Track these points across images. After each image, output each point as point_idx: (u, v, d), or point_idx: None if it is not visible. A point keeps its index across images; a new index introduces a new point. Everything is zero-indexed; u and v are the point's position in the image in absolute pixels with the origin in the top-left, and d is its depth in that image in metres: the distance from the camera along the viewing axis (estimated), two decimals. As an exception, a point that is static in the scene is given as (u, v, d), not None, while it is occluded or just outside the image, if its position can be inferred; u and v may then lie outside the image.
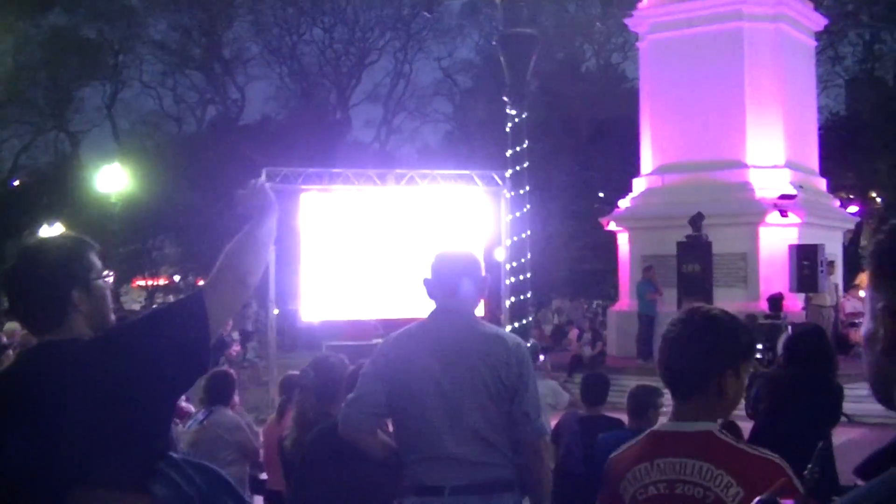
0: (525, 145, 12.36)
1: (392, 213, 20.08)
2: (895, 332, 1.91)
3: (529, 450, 5.41)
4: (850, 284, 29.34)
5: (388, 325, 14.36)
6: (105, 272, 3.77)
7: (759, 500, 2.42)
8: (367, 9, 57.49)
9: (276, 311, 21.69)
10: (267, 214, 3.86)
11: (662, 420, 4.00)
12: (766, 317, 23.00)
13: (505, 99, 12.23)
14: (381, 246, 19.79)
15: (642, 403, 8.21)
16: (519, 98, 12.08)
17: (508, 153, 11.83)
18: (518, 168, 12.34)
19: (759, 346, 13.89)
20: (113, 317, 3.78)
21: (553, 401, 12.22)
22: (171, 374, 3.44)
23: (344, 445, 5.52)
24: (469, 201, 20.23)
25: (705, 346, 3.66)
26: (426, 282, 5.53)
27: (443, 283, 5.48)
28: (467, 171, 20.90)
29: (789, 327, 13.89)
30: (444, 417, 5.22)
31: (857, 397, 12.68)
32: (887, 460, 1.82)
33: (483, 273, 5.66)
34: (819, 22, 31.06)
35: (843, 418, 15.16)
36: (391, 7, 57.36)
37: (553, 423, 10.38)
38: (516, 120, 11.96)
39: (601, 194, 48.69)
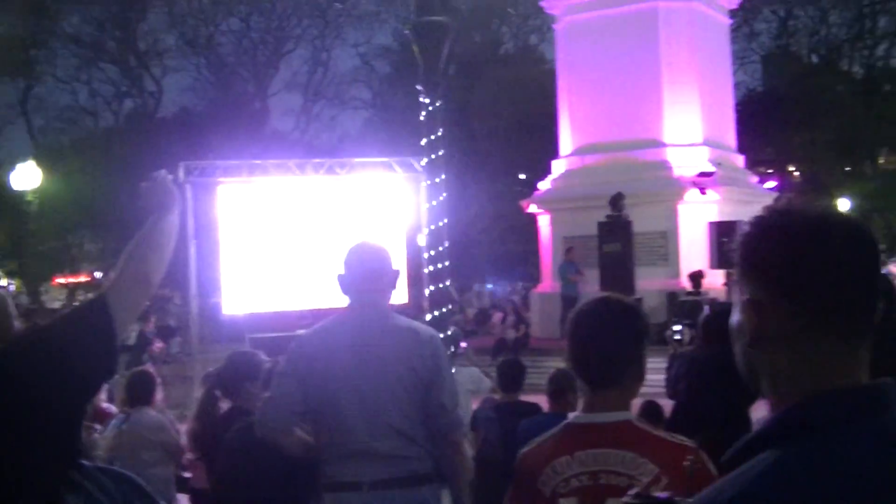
0: (440, 133, 12.33)
1: (312, 203, 19.95)
2: (759, 325, 1.97)
3: (447, 441, 5.46)
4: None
5: (315, 316, 14.26)
6: (6, 282, 3.68)
7: (633, 493, 2.44)
8: (283, -3, 57.04)
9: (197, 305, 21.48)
10: (168, 209, 3.78)
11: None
12: (688, 294, 23.24)
13: (419, 87, 12.18)
14: (302, 236, 19.66)
15: (562, 387, 8.22)
16: (433, 86, 12.05)
17: (423, 142, 11.80)
18: (433, 156, 12.31)
19: (679, 326, 14.01)
20: (16, 325, 3.68)
21: (474, 387, 12.24)
22: (78, 382, 3.34)
23: (262, 444, 5.49)
24: (389, 189, 20.21)
25: (629, 335, 3.64)
26: (339, 277, 5.52)
27: (355, 278, 5.46)
28: (386, 159, 20.84)
29: (706, 307, 13.99)
30: (360, 413, 5.22)
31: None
32: (750, 452, 1.90)
33: (394, 266, 5.63)
34: (733, 0, 31.32)
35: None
36: (308, -6, 56.95)
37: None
38: (430, 108, 11.92)
39: (523, 176, 48.85)
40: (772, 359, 1.97)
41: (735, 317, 2.07)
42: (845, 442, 1.82)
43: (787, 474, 1.80)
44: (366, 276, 5.42)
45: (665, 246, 26.01)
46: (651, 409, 10.35)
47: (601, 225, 24.38)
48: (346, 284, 5.49)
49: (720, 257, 22.51)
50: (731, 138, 30.24)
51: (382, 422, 5.22)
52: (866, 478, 1.79)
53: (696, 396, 8.09)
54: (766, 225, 2.01)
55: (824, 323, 1.91)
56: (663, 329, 17.62)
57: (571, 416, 3.83)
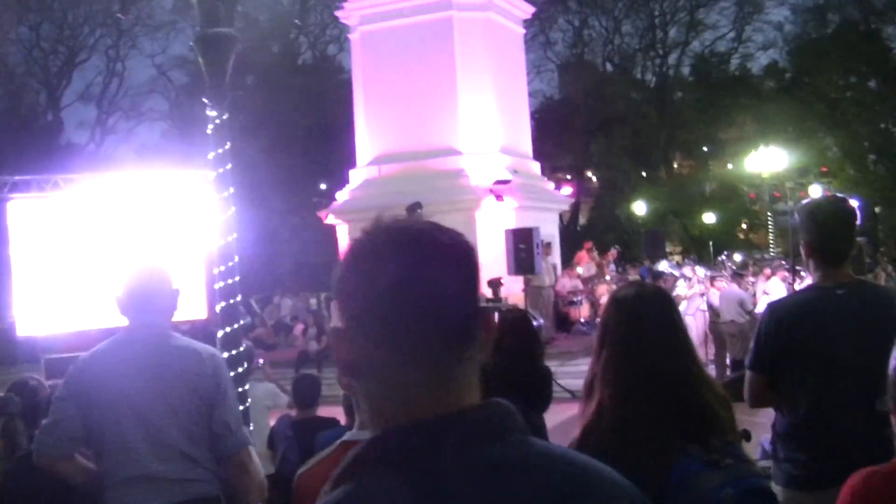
0: (228, 146, 12.05)
1: (108, 218, 19.40)
2: (343, 353, 1.85)
3: (232, 462, 5.36)
4: (567, 264, 30.14)
5: (113, 334, 13.80)
6: None
7: None
8: (75, 5, 55.59)
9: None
10: None
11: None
12: (487, 301, 23.35)
13: (205, 101, 11.87)
14: (99, 252, 19.08)
15: (355, 401, 8.09)
16: (219, 99, 11.73)
17: (211, 156, 11.51)
18: (221, 170, 12.01)
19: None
20: None
21: (271, 403, 12.02)
22: None
23: (41, 473, 5.26)
24: (186, 202, 19.79)
25: None
26: (117, 299, 5.36)
27: (134, 300, 5.32)
28: (182, 171, 20.43)
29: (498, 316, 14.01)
30: (142, 436, 5.08)
31: (580, 373, 12.94)
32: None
33: (174, 286, 5.47)
34: (527, 10, 31.80)
35: (567, 394, 15.59)
36: (100, 3, 55.62)
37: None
38: (217, 121, 11.62)
39: (324, 186, 48.70)
40: (366, 387, 1.85)
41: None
42: (375, 485, 1.74)
43: None
44: (144, 297, 5.29)
45: (464, 254, 26.11)
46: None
47: (399, 235, 24.35)
48: (124, 306, 5.34)
49: (518, 263, 22.70)
50: (527, 146, 30.64)
51: (165, 445, 5.08)
52: None
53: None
54: (348, 247, 1.88)
55: (398, 351, 1.78)
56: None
57: (348, 434, 3.76)
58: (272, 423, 10.47)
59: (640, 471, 3.36)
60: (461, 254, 1.82)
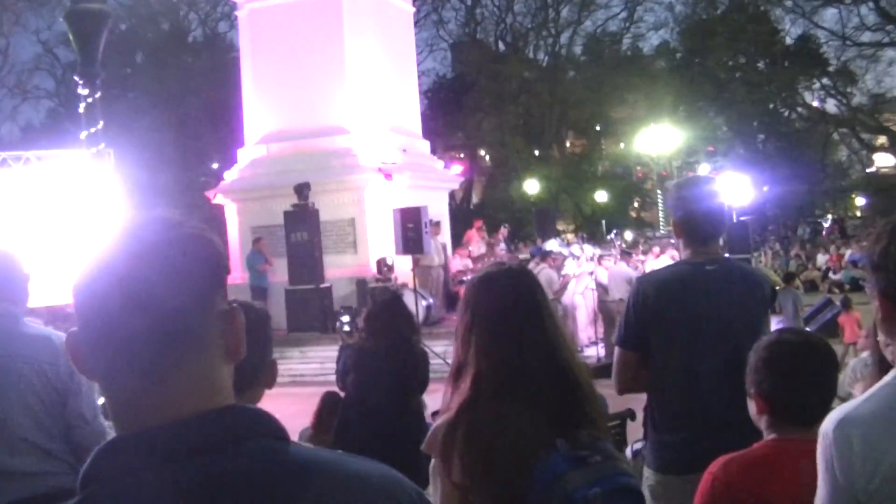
0: (100, 126, 11.78)
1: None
2: (79, 357, 1.76)
3: (89, 454, 5.10)
4: (458, 243, 30.13)
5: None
6: None
7: None
8: (-48, -21, 54.24)
9: None
10: None
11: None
12: (377, 280, 23.30)
13: (77, 79, 11.59)
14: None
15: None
16: (91, 77, 11.47)
17: (83, 135, 11.24)
18: (95, 150, 11.75)
19: (347, 316, 13.76)
20: None
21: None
22: None
23: None
24: (69, 182, 19.36)
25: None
26: None
27: None
28: (67, 150, 19.96)
29: (369, 299, 13.95)
30: (-10, 429, 4.86)
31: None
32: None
33: (25, 271, 5.26)
34: (417, -11, 31.63)
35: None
36: (-20, -22, 54.34)
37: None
38: (89, 100, 11.35)
39: (215, 166, 48.23)
40: (104, 393, 1.75)
41: None
42: (103, 497, 1.65)
43: None
44: None
45: (353, 233, 26.00)
46: (331, 401, 10.22)
47: (287, 214, 24.21)
48: (-27, 293, 5.10)
49: (406, 243, 22.64)
50: (416, 125, 30.53)
51: (16, 437, 4.87)
52: None
53: (363, 388, 7.99)
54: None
55: (117, 355, 1.69)
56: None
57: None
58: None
59: (507, 464, 3.32)
60: (178, 251, 1.70)
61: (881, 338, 3.09)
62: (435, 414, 4.95)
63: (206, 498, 1.60)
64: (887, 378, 2.94)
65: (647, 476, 5.35)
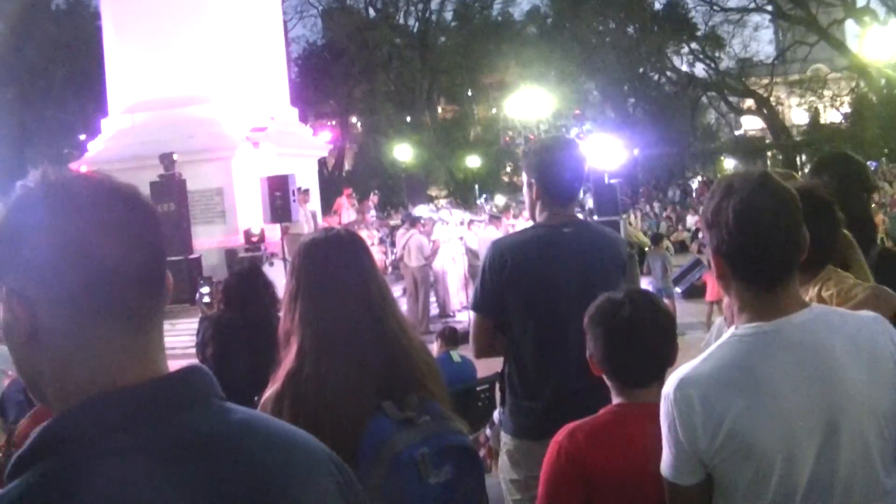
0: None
1: None
2: (24, 320, 1.67)
3: None
4: (329, 211, 30.02)
5: None
6: None
7: None
8: None
9: None
10: None
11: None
12: (246, 250, 23.09)
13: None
14: None
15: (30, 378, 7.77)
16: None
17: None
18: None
19: (206, 287, 13.63)
20: None
21: (6, 366, 11.57)
22: None
23: None
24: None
25: None
26: None
27: None
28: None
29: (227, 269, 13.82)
30: None
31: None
32: (16, 472, 1.61)
33: None
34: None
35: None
36: None
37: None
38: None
39: (83, 137, 47.37)
40: (49, 355, 1.67)
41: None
42: (61, 473, 1.56)
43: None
44: None
45: (221, 203, 25.64)
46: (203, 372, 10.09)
47: (154, 185, 23.76)
48: None
49: (273, 212, 22.46)
50: (284, 93, 30.22)
51: None
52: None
53: (223, 361, 7.88)
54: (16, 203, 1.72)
55: (89, 302, 1.63)
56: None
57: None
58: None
59: (335, 430, 3.26)
60: (143, 203, 1.72)
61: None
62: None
63: (180, 459, 1.59)
64: (723, 338, 3.06)
65: (506, 441, 5.36)
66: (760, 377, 2.91)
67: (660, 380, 3.69)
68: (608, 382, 3.76)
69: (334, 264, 3.54)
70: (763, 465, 2.88)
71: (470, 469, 3.38)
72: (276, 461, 1.69)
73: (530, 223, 5.51)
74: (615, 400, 3.75)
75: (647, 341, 3.67)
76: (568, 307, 5.04)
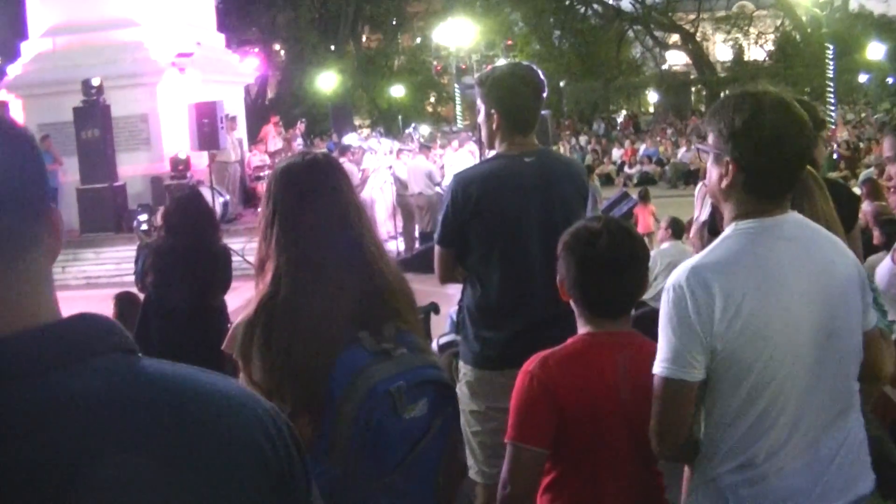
0: None
1: None
2: None
3: None
4: (255, 139, 29.73)
5: None
6: None
7: None
8: None
9: None
10: None
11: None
12: (172, 178, 22.78)
13: None
14: None
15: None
16: None
17: None
18: None
19: (144, 215, 13.34)
20: None
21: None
22: None
23: None
24: None
25: None
26: None
27: None
28: None
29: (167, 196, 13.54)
30: None
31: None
32: None
33: None
34: None
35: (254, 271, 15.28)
36: None
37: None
38: None
39: (0, 61, 46.35)
40: None
41: None
42: None
43: None
44: None
45: (147, 130, 25.20)
46: (126, 301, 9.94)
47: (77, 111, 23.34)
48: None
49: (201, 139, 22.20)
50: (210, 18, 29.67)
51: None
52: None
53: (163, 289, 7.73)
54: None
55: None
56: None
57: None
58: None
59: (308, 359, 3.15)
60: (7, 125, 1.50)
61: (715, 200, 3.39)
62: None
63: (54, 422, 1.36)
64: (726, 231, 3.19)
65: (465, 372, 5.30)
66: (768, 264, 3.09)
67: (629, 312, 3.71)
68: (576, 310, 3.73)
69: (311, 189, 3.42)
70: (773, 350, 3.07)
71: (445, 404, 3.34)
72: (188, 419, 1.48)
73: (461, 152, 5.42)
74: (582, 329, 3.71)
75: (623, 275, 3.63)
76: (532, 238, 5.06)
